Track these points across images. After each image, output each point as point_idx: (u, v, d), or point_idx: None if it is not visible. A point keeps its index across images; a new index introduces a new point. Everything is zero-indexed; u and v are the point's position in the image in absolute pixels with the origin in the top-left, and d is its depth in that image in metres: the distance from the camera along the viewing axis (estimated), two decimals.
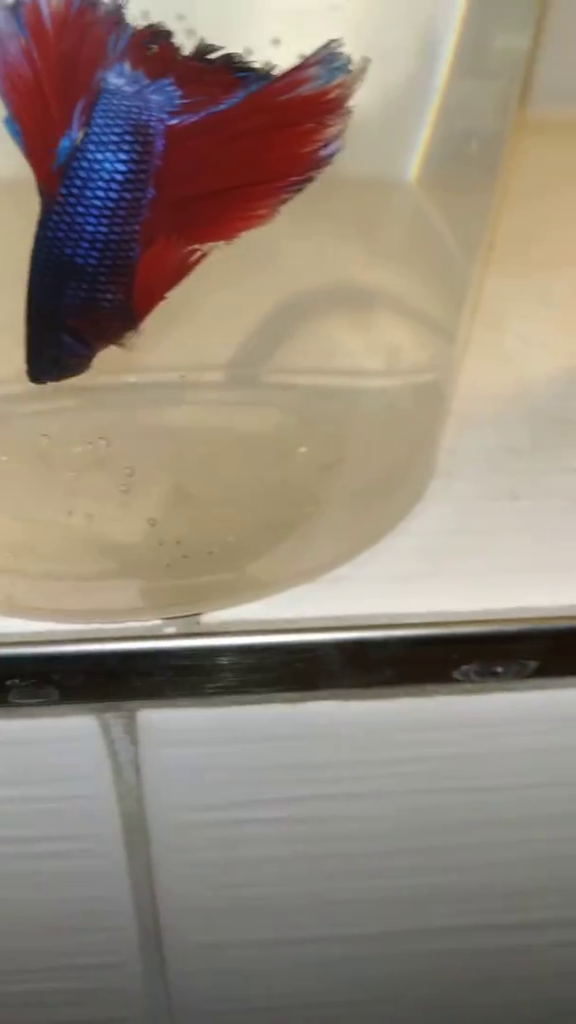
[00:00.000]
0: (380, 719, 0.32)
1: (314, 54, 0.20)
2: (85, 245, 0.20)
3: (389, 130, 0.26)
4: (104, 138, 0.19)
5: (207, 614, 0.30)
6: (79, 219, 0.20)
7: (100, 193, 0.20)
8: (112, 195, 0.20)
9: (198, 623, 0.30)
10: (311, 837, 0.35)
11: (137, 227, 0.20)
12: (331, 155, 0.21)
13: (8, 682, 0.30)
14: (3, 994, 0.40)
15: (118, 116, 0.19)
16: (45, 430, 0.26)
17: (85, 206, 0.20)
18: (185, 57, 0.19)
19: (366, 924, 0.38)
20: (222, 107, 0.20)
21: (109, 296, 0.21)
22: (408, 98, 0.26)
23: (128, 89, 0.19)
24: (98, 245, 0.20)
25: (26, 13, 0.18)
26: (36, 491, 0.27)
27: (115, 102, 0.19)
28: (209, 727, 0.32)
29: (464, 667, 0.30)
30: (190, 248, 0.21)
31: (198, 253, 0.21)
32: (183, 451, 0.27)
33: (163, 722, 0.31)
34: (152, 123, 0.20)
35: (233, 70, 0.20)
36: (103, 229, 0.20)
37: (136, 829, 0.35)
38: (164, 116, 0.20)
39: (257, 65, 0.20)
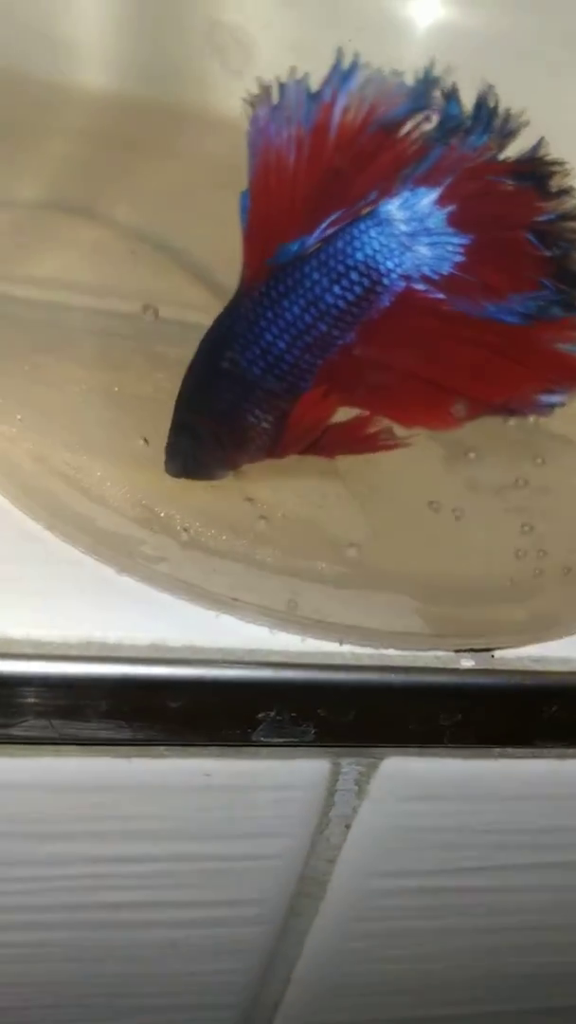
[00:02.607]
0: None
1: None
2: (256, 351, 0.18)
3: None
4: (332, 263, 0.16)
5: (501, 650, 0.24)
6: (263, 323, 0.17)
7: (296, 310, 0.17)
8: (307, 318, 0.17)
9: (492, 657, 0.24)
10: (518, 908, 0.30)
11: (318, 362, 0.17)
12: (552, 405, 0.17)
13: (260, 714, 0.23)
14: None
15: (361, 248, 0.16)
16: None
17: (275, 313, 0.17)
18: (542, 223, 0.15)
19: (524, 1000, 0.33)
20: (482, 312, 0.16)
21: (258, 413, 0.18)
22: None
23: (403, 227, 0.16)
24: (268, 358, 0.17)
25: (319, 110, 0.15)
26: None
27: (371, 232, 0.16)
28: (465, 780, 0.26)
29: None
30: (382, 431, 0.18)
31: (390, 441, 0.18)
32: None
33: (411, 772, 0.26)
34: (392, 277, 0.16)
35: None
36: (281, 345, 0.17)
37: (309, 895, 0.28)
38: (414, 276, 0.16)
39: None
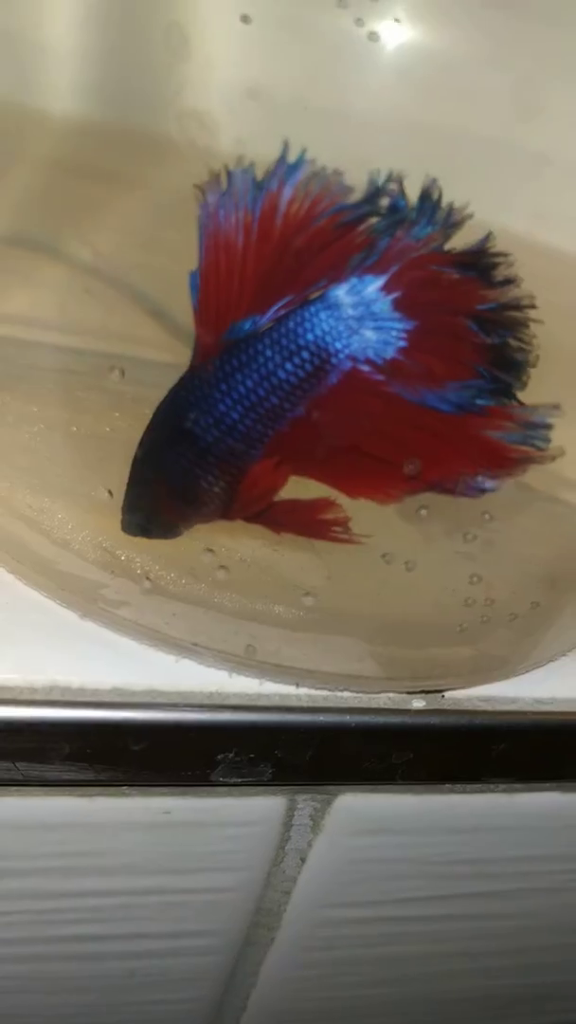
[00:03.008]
0: None
1: (530, 410, 0.18)
2: (209, 420, 0.18)
3: None
4: (284, 342, 0.18)
5: (451, 691, 0.25)
6: (216, 394, 0.18)
7: (249, 383, 0.18)
8: (260, 392, 0.18)
9: (443, 698, 0.25)
10: (463, 935, 0.31)
11: (269, 432, 0.18)
12: (486, 490, 0.19)
13: (219, 756, 0.23)
14: None
15: (311, 329, 0.17)
16: None
17: (229, 386, 0.18)
18: (483, 311, 0.17)
19: (472, 1022, 0.34)
20: (419, 398, 0.18)
21: (211, 478, 0.19)
22: None
23: (350, 311, 0.17)
24: (221, 427, 0.18)
25: (265, 198, 0.16)
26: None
27: (321, 315, 0.17)
28: (416, 815, 0.27)
29: None
30: (337, 520, 0.19)
31: (342, 535, 0.20)
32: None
33: (364, 808, 0.26)
34: (339, 357, 0.17)
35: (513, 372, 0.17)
36: (234, 415, 0.18)
37: (265, 926, 0.29)
38: (360, 358, 0.17)
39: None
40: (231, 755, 0.23)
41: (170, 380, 0.20)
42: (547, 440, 0.18)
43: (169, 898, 0.27)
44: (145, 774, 0.23)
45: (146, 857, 0.26)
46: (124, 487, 0.22)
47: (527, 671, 0.26)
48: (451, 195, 0.16)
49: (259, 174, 0.17)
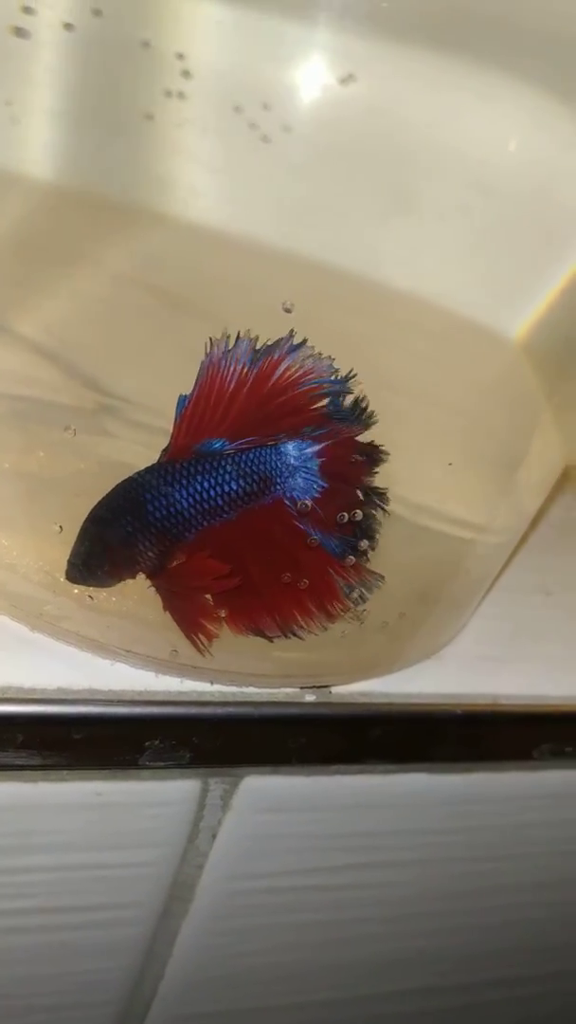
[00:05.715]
0: (460, 790, 0.34)
1: (367, 572, 0.25)
2: (163, 502, 0.24)
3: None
4: (242, 466, 0.24)
5: (336, 687, 0.31)
6: (174, 486, 0.24)
7: (205, 485, 0.24)
8: (210, 493, 0.24)
9: (330, 693, 0.31)
10: (353, 903, 0.36)
11: (202, 524, 0.24)
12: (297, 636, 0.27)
13: (147, 743, 0.28)
14: None
15: (264, 465, 0.24)
16: None
17: (187, 481, 0.24)
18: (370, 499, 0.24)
19: (363, 986, 0.39)
20: (313, 534, 0.25)
21: (147, 544, 0.25)
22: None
23: (293, 462, 0.24)
24: (171, 510, 0.24)
25: (265, 361, 0.22)
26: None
27: (273, 457, 0.24)
28: (309, 794, 0.32)
29: (543, 746, 0.34)
30: (210, 634, 0.26)
31: (200, 648, 0.26)
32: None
33: (266, 788, 0.32)
34: (275, 488, 0.24)
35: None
36: (183, 503, 0.24)
37: (180, 898, 0.34)
38: (287, 494, 0.24)
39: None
40: (156, 742, 0.28)
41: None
42: (365, 600, 0.25)
43: (99, 872, 0.32)
44: (84, 759, 0.28)
45: (80, 835, 0.30)
46: (61, 523, 0.27)
47: (398, 670, 0.32)
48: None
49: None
